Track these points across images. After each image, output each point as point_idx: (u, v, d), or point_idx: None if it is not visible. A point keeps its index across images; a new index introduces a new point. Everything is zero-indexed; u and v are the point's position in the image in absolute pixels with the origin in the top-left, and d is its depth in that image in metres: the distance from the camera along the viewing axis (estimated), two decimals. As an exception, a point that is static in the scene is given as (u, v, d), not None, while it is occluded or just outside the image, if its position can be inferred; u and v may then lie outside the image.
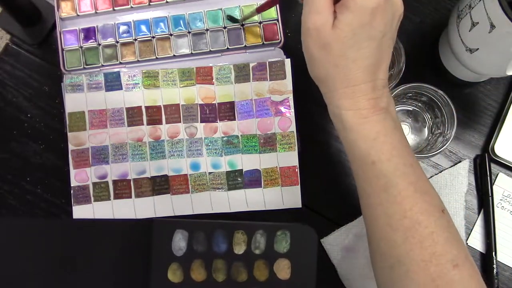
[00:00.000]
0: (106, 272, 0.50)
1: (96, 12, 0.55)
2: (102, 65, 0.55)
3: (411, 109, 0.54)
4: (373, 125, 0.37)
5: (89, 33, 0.55)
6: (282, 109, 0.54)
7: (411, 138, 0.54)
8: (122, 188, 0.54)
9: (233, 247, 0.50)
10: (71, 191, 0.53)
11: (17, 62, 0.57)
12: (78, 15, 0.55)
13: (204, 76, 0.55)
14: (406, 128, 0.54)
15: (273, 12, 0.55)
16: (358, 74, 0.36)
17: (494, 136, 0.54)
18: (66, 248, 0.51)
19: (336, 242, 0.53)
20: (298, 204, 0.53)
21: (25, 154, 0.55)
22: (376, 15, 0.35)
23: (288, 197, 0.53)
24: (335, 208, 0.54)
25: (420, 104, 0.53)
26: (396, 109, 0.54)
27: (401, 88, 0.48)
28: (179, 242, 0.50)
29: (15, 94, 0.56)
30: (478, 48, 0.44)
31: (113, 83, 0.55)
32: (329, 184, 0.54)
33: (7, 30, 0.57)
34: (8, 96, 0.56)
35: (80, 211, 0.53)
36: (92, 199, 0.53)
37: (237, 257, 0.50)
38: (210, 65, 0.55)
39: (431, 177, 0.54)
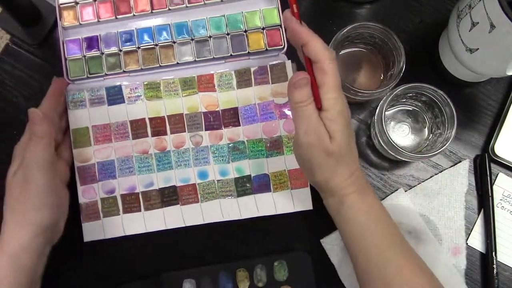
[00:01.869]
0: None
1: (98, 21, 0.55)
2: (106, 74, 0.55)
3: (411, 109, 0.54)
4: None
5: (92, 42, 0.55)
6: (286, 111, 0.54)
7: (411, 138, 0.54)
8: (131, 202, 0.53)
9: (238, 285, 0.52)
10: (80, 208, 0.53)
11: (17, 62, 0.57)
12: (80, 24, 0.55)
13: (206, 83, 0.54)
14: (406, 128, 0.54)
15: (276, 18, 0.55)
16: (354, 161, 0.44)
17: (494, 136, 0.54)
18: None
19: (336, 242, 0.53)
20: (309, 206, 0.53)
21: (25, 154, 0.55)
22: (346, 109, 0.43)
23: (298, 199, 0.53)
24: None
25: (420, 104, 0.53)
26: (396, 109, 0.54)
27: (401, 88, 0.48)
28: None
29: (15, 94, 0.56)
30: (478, 48, 0.44)
31: (115, 96, 0.54)
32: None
33: (7, 30, 0.57)
34: (8, 96, 0.56)
35: (89, 228, 0.53)
36: (101, 215, 0.53)
37: None
38: (211, 72, 0.55)
39: (431, 177, 0.54)
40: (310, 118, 0.41)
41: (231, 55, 0.55)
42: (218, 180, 0.53)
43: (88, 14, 0.55)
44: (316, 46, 0.41)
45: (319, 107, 0.42)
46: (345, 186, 0.43)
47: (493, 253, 0.52)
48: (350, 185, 0.43)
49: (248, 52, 0.55)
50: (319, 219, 0.54)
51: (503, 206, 0.53)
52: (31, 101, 0.56)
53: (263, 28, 0.55)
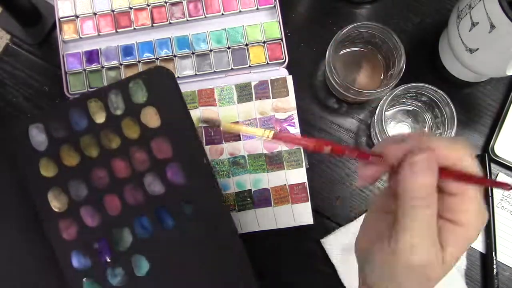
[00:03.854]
0: None
1: (99, 35, 0.55)
2: None
3: (411, 109, 0.54)
4: None
5: (92, 55, 0.55)
6: (287, 126, 0.54)
7: (411, 138, 0.54)
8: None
9: (93, 118, 0.46)
10: None
11: (17, 62, 0.57)
12: (81, 38, 0.55)
13: (206, 98, 0.54)
14: (406, 128, 0.54)
15: (277, 31, 0.55)
16: None
17: (494, 136, 0.54)
18: None
19: (336, 242, 0.53)
20: (310, 221, 0.53)
21: (25, 154, 0.55)
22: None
23: (299, 214, 0.53)
24: (335, 208, 0.54)
25: (420, 104, 0.53)
26: (396, 109, 0.54)
27: (401, 88, 0.48)
28: (38, 136, 0.47)
29: (15, 94, 0.56)
30: (478, 48, 0.44)
31: None
32: (329, 184, 0.54)
33: (7, 30, 0.57)
34: (8, 96, 0.56)
35: None
36: None
37: (101, 125, 0.47)
38: (212, 86, 0.54)
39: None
40: (429, 228, 0.28)
41: (232, 68, 0.55)
42: None
43: (88, 27, 0.55)
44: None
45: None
46: None
47: (493, 253, 0.52)
48: None
49: (249, 66, 0.55)
50: (319, 219, 0.54)
51: (503, 206, 0.53)
52: (31, 101, 0.56)
53: (264, 42, 0.55)
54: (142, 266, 0.46)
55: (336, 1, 0.57)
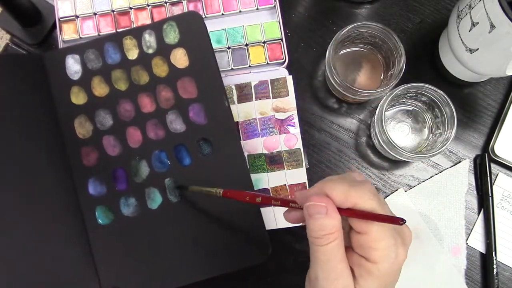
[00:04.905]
0: (9, 118, 0.47)
1: (99, 35, 0.55)
2: None
3: (411, 109, 0.54)
4: None
5: None
6: (287, 126, 0.54)
7: (411, 138, 0.54)
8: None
9: (126, 54, 0.50)
10: None
11: (17, 62, 0.57)
12: (81, 38, 0.55)
13: None
14: (406, 128, 0.54)
15: (277, 31, 0.55)
16: None
17: (494, 136, 0.54)
18: None
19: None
20: None
21: (25, 154, 0.55)
22: (399, 272, 0.32)
23: None
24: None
25: (420, 104, 0.53)
26: (396, 109, 0.54)
27: (401, 88, 0.48)
28: (73, 66, 0.50)
29: (15, 94, 0.56)
30: (478, 48, 0.44)
31: None
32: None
33: (7, 30, 0.57)
34: (8, 96, 0.56)
35: None
36: None
37: (133, 62, 0.50)
38: None
39: (431, 177, 0.54)
40: (332, 262, 0.31)
41: (232, 68, 0.55)
42: None
43: (88, 27, 0.55)
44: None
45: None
46: None
47: (493, 253, 0.52)
48: None
49: (249, 66, 0.55)
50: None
51: (503, 206, 0.53)
52: (31, 101, 0.56)
53: (264, 42, 0.55)
54: (156, 199, 0.48)
55: (336, 1, 0.57)
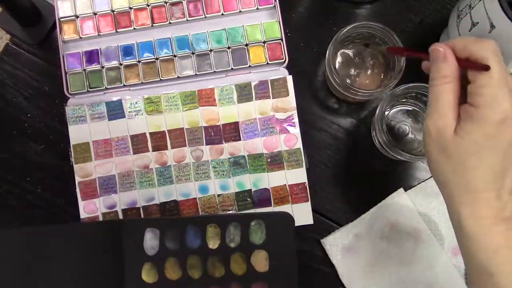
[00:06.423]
0: (78, 277, 0.48)
1: (99, 35, 0.55)
2: (106, 88, 0.55)
3: (411, 109, 0.54)
4: (495, 237, 0.34)
5: (92, 56, 0.55)
6: (287, 126, 0.54)
7: (411, 138, 0.54)
8: (132, 217, 0.53)
9: (207, 242, 0.48)
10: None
11: (17, 62, 0.57)
12: (81, 38, 0.55)
13: (206, 98, 0.54)
14: (406, 128, 0.54)
15: (276, 32, 0.55)
16: (479, 182, 0.34)
17: (494, 136, 0.53)
18: (35, 255, 0.48)
19: (336, 242, 0.53)
20: (310, 221, 0.53)
21: (25, 154, 0.55)
22: (503, 127, 0.33)
23: (299, 214, 0.53)
24: (335, 208, 0.54)
25: (420, 104, 0.53)
26: (396, 109, 0.54)
27: (401, 88, 0.48)
28: (151, 241, 0.49)
29: (15, 94, 0.56)
30: (478, 48, 0.44)
31: (115, 111, 0.54)
32: (329, 184, 0.54)
33: (7, 30, 0.57)
34: (8, 96, 0.56)
35: None
36: None
37: (212, 252, 0.48)
38: (212, 86, 0.54)
39: (431, 177, 0.54)
40: (437, 101, 0.35)
41: (232, 68, 0.55)
42: (218, 195, 0.53)
43: (88, 27, 0.55)
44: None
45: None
46: (458, 204, 0.35)
47: (493, 253, 0.52)
48: (464, 205, 0.34)
49: (249, 66, 0.55)
50: (319, 219, 0.54)
51: (503, 206, 0.53)
52: (31, 101, 0.56)
53: (264, 42, 0.55)
54: None
55: (336, 1, 0.57)
